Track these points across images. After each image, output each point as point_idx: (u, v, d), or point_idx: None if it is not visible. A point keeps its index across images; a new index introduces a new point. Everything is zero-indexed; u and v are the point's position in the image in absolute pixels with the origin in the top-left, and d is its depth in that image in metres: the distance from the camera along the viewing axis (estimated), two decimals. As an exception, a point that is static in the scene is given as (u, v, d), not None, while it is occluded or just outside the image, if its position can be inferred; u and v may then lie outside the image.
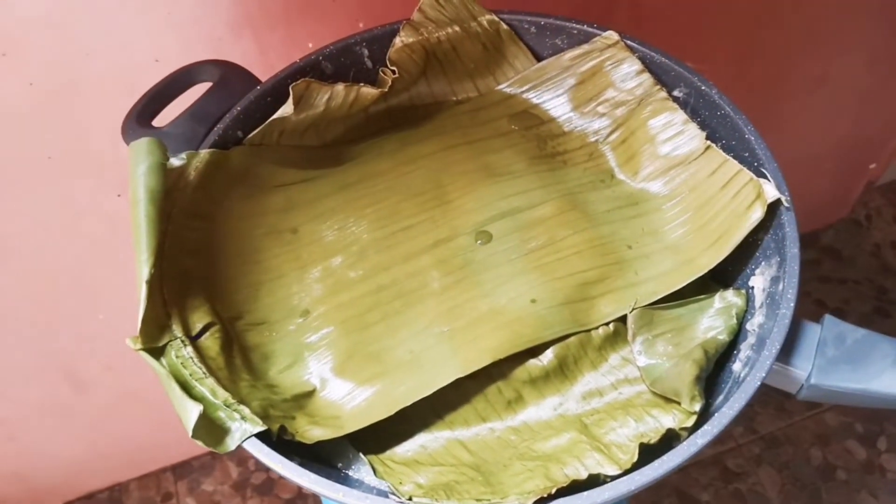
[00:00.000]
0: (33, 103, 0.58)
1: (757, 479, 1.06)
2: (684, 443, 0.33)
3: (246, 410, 0.35)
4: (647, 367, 0.39)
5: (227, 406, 0.35)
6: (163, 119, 0.47)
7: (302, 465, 0.35)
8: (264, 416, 0.36)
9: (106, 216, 0.69)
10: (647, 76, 0.47)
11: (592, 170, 0.48)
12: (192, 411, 0.34)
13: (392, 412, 0.38)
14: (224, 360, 0.38)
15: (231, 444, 0.35)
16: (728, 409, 0.33)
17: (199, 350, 0.38)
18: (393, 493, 0.35)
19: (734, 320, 0.40)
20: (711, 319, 0.40)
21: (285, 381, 0.41)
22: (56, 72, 0.56)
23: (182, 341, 0.37)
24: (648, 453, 0.34)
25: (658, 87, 0.47)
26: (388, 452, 0.40)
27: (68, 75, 0.57)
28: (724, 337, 0.39)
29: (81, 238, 0.71)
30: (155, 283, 0.38)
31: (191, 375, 0.36)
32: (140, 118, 0.46)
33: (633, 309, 0.41)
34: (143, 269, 0.37)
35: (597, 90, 0.49)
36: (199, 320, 0.39)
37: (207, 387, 0.36)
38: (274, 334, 0.42)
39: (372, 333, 0.42)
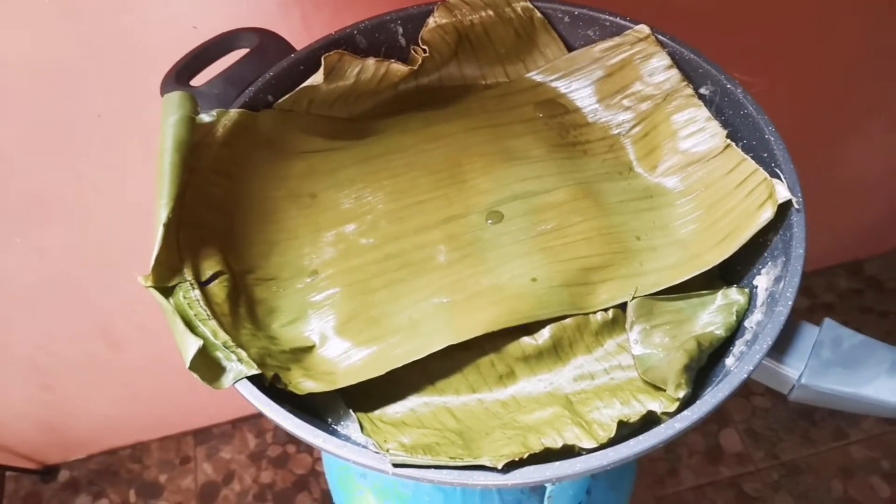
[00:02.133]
0: (89, 63, 0.60)
1: (773, 506, 1.04)
2: (662, 426, 0.33)
3: (243, 354, 0.37)
4: (641, 356, 0.39)
5: (226, 347, 0.37)
6: (201, 80, 0.49)
7: (289, 411, 0.36)
8: (261, 363, 0.38)
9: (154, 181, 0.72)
10: (675, 71, 0.47)
11: (611, 161, 0.48)
12: (191, 345, 0.35)
13: (383, 372, 0.39)
14: (229, 307, 0.40)
15: (226, 381, 0.36)
16: (710, 398, 0.33)
17: (206, 294, 0.39)
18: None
19: (734, 318, 0.40)
20: (711, 315, 0.40)
21: (286, 334, 0.42)
22: (113, 35, 0.59)
23: (191, 284, 0.39)
24: (629, 438, 0.34)
25: (685, 83, 0.47)
26: (379, 412, 0.41)
27: (124, 40, 0.59)
28: (720, 332, 0.39)
29: (128, 203, 0.74)
30: (172, 228, 0.40)
31: (195, 315, 0.38)
32: (178, 77, 0.48)
33: (634, 298, 0.41)
34: (163, 212, 0.39)
35: (624, 83, 0.49)
36: (209, 268, 0.41)
37: (210, 328, 0.37)
38: (282, 290, 0.44)
39: (375, 298, 0.43)
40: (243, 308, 0.41)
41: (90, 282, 0.83)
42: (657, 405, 0.37)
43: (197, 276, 0.40)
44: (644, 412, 0.36)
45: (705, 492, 1.06)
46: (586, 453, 0.33)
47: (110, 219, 0.75)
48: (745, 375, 0.34)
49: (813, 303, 1.21)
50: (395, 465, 0.33)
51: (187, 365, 0.35)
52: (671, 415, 0.35)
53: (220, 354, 0.37)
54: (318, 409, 0.41)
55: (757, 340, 0.35)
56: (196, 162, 0.44)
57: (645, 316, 0.40)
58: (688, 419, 0.33)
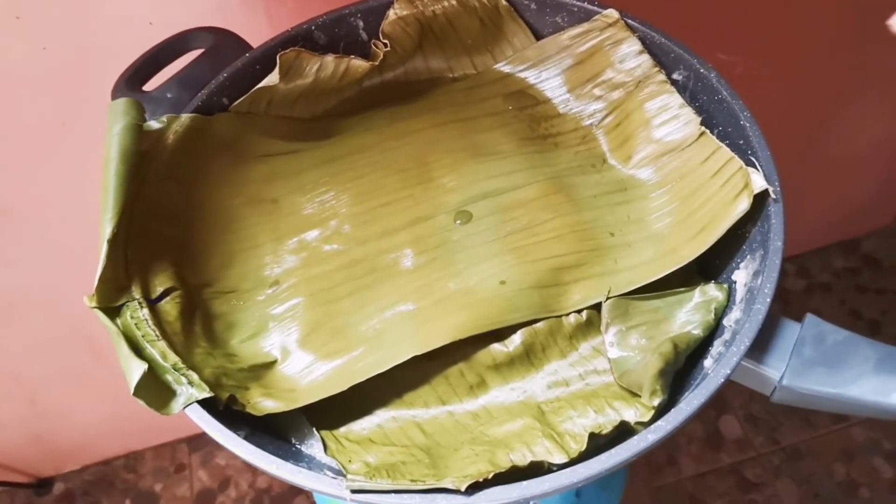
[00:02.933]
0: (48, 67, 0.58)
1: (774, 492, 1.02)
2: (634, 437, 0.31)
3: (194, 376, 0.35)
4: (617, 359, 0.37)
5: (176, 370, 0.35)
6: (155, 84, 0.47)
7: (247, 437, 0.34)
8: (215, 384, 0.36)
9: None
10: (646, 57, 0.45)
11: (584, 154, 0.46)
12: (136, 370, 0.33)
13: (345, 387, 0.37)
14: (181, 325, 0.38)
15: (175, 406, 0.34)
16: (685, 406, 0.31)
17: (156, 313, 0.37)
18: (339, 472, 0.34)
19: (712, 315, 0.38)
20: (689, 314, 0.38)
21: (246, 350, 0.40)
22: (68, 37, 0.57)
23: (139, 303, 0.37)
24: (603, 448, 0.32)
25: (657, 68, 0.45)
26: (344, 429, 0.39)
27: (80, 41, 0.57)
28: (698, 332, 0.37)
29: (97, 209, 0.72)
30: (119, 244, 0.38)
31: (143, 336, 0.36)
32: (130, 82, 0.46)
33: (608, 298, 0.39)
34: (107, 228, 0.37)
35: (595, 71, 0.47)
36: (161, 284, 0.39)
37: (158, 349, 0.35)
38: (241, 303, 0.42)
39: (339, 308, 0.41)
40: (198, 325, 0.39)
41: (65, 291, 0.81)
42: (631, 413, 0.35)
43: (146, 293, 0.38)
44: (617, 422, 0.34)
45: (706, 479, 1.05)
46: (557, 468, 0.31)
47: (81, 226, 0.74)
48: (723, 380, 0.32)
49: (809, 283, 1.19)
50: (354, 491, 0.32)
51: (131, 391, 0.33)
52: (646, 424, 0.33)
53: (169, 378, 0.35)
54: (281, 428, 0.39)
55: (735, 340, 0.33)
56: (146, 171, 0.42)
57: (620, 317, 0.38)
58: (661, 430, 0.31)
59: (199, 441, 1.17)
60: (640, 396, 0.35)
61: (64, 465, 1.16)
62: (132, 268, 0.38)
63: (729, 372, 0.32)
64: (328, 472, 0.33)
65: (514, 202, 0.44)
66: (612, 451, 0.31)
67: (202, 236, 0.43)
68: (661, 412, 0.34)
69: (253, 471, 1.15)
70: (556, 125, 0.48)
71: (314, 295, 0.42)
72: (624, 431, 0.34)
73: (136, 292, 0.38)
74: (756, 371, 0.34)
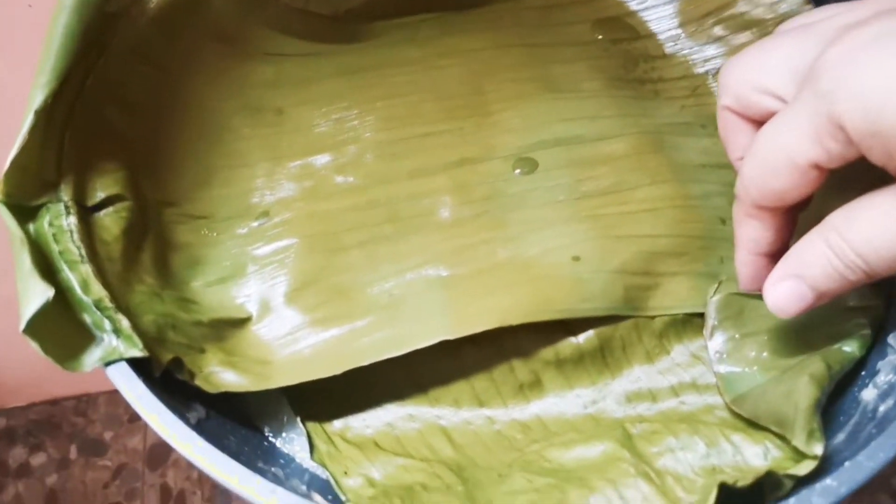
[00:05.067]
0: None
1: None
2: (792, 500, 0.20)
3: (124, 322, 0.24)
4: (727, 375, 0.27)
5: (100, 309, 0.24)
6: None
7: (196, 424, 0.24)
8: (156, 339, 0.25)
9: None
10: (796, -11, 0.34)
11: (692, 110, 0.35)
12: (35, 296, 0.23)
13: (341, 370, 0.27)
14: (122, 248, 0.27)
15: (87, 362, 0.24)
16: (867, 460, 0.21)
17: (88, 226, 0.26)
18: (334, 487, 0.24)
19: (867, 329, 0.27)
20: (833, 325, 0.27)
21: (210, 298, 0.29)
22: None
23: (66, 207, 0.26)
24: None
25: (810, 5, 0.34)
26: (341, 424, 0.28)
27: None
28: (852, 350, 0.26)
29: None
30: (54, 124, 0.27)
31: (60, 253, 0.25)
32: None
33: (716, 292, 0.28)
34: (38, 96, 0.26)
35: (720, 2, 0.36)
36: (103, 188, 0.28)
37: (79, 275, 0.25)
38: (214, 234, 0.31)
39: (345, 260, 0.30)
40: (148, 254, 0.28)
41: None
42: (763, 455, 0.24)
43: (80, 196, 0.27)
44: (760, 472, 0.23)
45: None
46: None
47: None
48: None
49: None
50: None
51: (21, 326, 0.22)
52: (794, 477, 0.22)
53: (86, 318, 0.24)
54: (251, 410, 0.29)
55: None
56: (109, 39, 0.30)
57: (732, 319, 0.27)
58: (833, 493, 0.20)
59: (159, 394, 1.07)
60: (767, 431, 0.25)
61: (7, 401, 1.06)
62: (67, 160, 0.27)
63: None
64: (317, 497, 0.22)
65: (597, 156, 0.33)
66: None
67: (174, 140, 0.32)
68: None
69: (213, 435, 1.05)
70: (659, 69, 0.36)
71: (313, 238, 0.31)
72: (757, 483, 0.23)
73: (66, 193, 0.26)
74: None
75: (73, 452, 1.08)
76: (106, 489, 1.06)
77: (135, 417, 1.07)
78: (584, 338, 0.29)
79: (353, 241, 0.31)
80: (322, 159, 0.33)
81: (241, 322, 0.29)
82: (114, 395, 1.08)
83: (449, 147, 0.33)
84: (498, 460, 0.26)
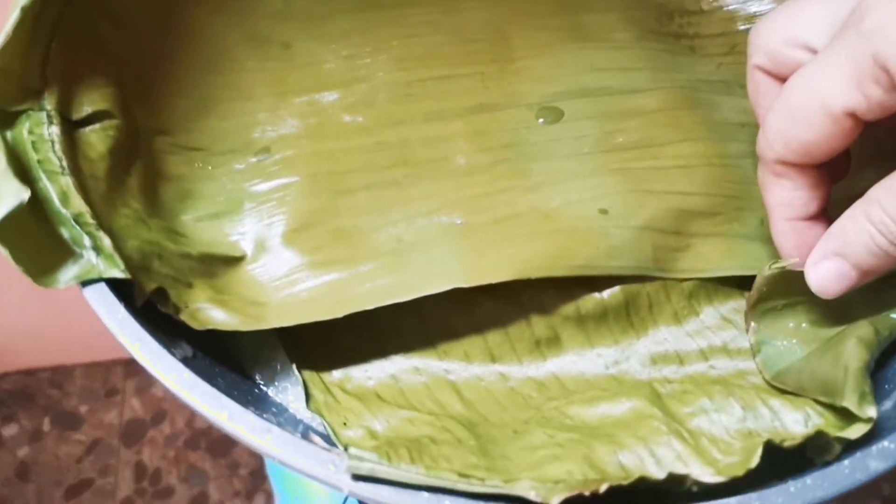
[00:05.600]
0: None
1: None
2: (844, 463, 0.18)
3: (105, 241, 0.22)
4: (766, 352, 0.24)
5: (79, 224, 0.22)
6: None
7: (186, 360, 0.21)
8: (140, 266, 0.23)
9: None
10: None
11: (730, 68, 0.33)
12: (8, 195, 0.20)
13: (341, 314, 0.24)
14: (108, 168, 0.24)
15: (62, 278, 0.21)
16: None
17: (71, 139, 0.24)
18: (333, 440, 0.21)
19: None
20: (878, 293, 0.25)
21: (201, 233, 0.27)
22: None
23: (49, 116, 0.23)
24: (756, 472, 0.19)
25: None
26: (340, 374, 0.26)
27: None
28: None
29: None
30: (42, 26, 0.24)
31: (39, 162, 0.22)
32: None
33: (772, 267, 0.25)
34: None
35: (763, -43, 0.34)
36: (91, 103, 0.25)
37: (58, 187, 0.22)
38: (210, 168, 0.28)
39: (350, 202, 0.28)
40: (135, 179, 0.26)
41: None
42: (804, 420, 0.22)
43: (65, 107, 0.24)
44: (808, 432, 0.21)
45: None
46: (698, 490, 0.18)
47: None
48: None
49: None
50: (357, 478, 0.18)
51: None
52: (845, 443, 0.20)
53: (64, 233, 0.21)
54: (243, 356, 0.26)
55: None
56: None
57: (780, 292, 0.25)
58: (891, 455, 0.18)
59: (137, 366, 1.03)
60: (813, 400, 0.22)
61: (-16, 367, 1.02)
62: (53, 69, 0.25)
63: None
64: (316, 438, 0.20)
65: (627, 109, 0.30)
66: (811, 479, 0.18)
67: (170, 67, 0.29)
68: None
69: (191, 409, 1.02)
70: (696, 24, 0.34)
71: (317, 177, 0.28)
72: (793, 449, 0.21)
73: (49, 102, 0.24)
74: None
75: (46, 425, 1.05)
76: (79, 464, 1.03)
77: (112, 391, 1.04)
78: (609, 293, 0.26)
79: (360, 184, 0.28)
80: (330, 97, 0.31)
81: (234, 260, 0.26)
82: (91, 368, 1.05)
83: (468, 92, 0.31)
84: (512, 417, 0.24)
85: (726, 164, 0.29)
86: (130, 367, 1.03)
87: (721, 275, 0.27)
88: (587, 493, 0.18)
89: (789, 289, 0.25)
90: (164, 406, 1.01)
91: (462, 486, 0.18)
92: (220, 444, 0.98)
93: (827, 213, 0.24)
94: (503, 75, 0.32)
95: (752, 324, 0.25)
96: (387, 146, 0.29)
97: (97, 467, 1.00)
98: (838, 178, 0.24)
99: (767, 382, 0.24)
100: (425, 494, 0.18)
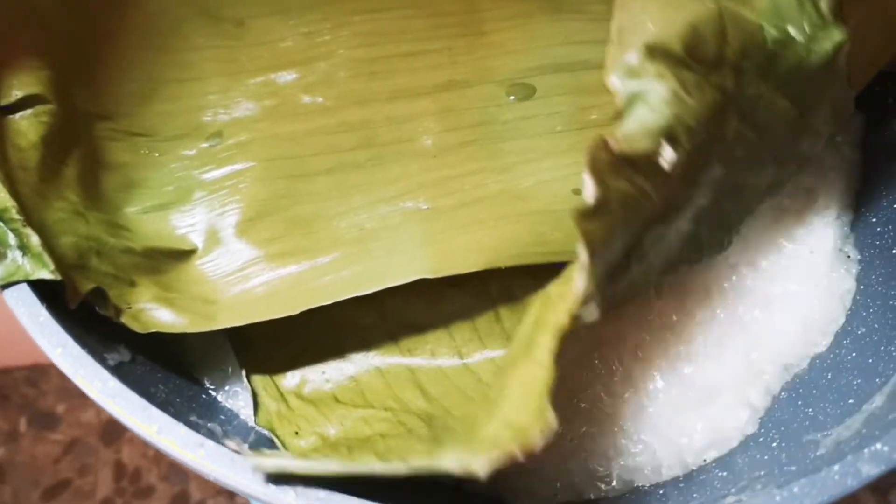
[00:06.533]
0: None
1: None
2: (836, 467, 0.17)
3: (34, 238, 0.20)
4: None
5: (4, 220, 0.20)
6: None
7: (115, 367, 0.19)
8: (75, 264, 0.21)
9: None
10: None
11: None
12: None
13: (297, 310, 0.22)
14: (40, 158, 0.22)
15: None
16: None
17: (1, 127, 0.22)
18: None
19: None
20: None
21: (147, 226, 0.25)
22: None
23: None
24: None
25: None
26: (295, 378, 0.24)
27: None
28: None
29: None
30: None
31: None
32: None
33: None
34: None
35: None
36: (21, 86, 0.23)
37: None
38: (156, 155, 0.26)
39: (309, 188, 0.26)
40: (73, 169, 0.24)
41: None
42: None
43: None
44: None
45: None
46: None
47: None
48: None
49: None
50: (268, 477, 0.16)
51: None
52: None
53: None
54: (190, 359, 0.24)
55: None
56: None
57: None
58: (884, 459, 0.17)
59: (116, 365, 1.02)
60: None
61: (-46, 366, 1.00)
62: None
63: None
64: (239, 444, 0.18)
65: (602, 84, 0.29)
66: (797, 487, 0.16)
67: (112, 44, 0.27)
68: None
69: (172, 410, 1.00)
70: (675, -7, 0.32)
71: (273, 162, 0.27)
72: None
73: None
74: None
75: (22, 425, 1.02)
76: (57, 464, 1.01)
77: (89, 390, 1.02)
78: None
79: (320, 168, 0.26)
80: (287, 76, 0.29)
81: (183, 255, 0.24)
82: (68, 366, 1.03)
83: (436, 68, 0.29)
84: (480, 410, 0.22)
85: (709, 139, 0.28)
86: (107, 364, 1.01)
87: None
88: (520, 456, 0.16)
89: None
90: (144, 403, 0.99)
91: (379, 468, 0.16)
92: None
93: None
94: (473, 49, 0.30)
95: None
96: (349, 127, 0.28)
97: (76, 467, 0.97)
98: None
99: None
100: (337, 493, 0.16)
